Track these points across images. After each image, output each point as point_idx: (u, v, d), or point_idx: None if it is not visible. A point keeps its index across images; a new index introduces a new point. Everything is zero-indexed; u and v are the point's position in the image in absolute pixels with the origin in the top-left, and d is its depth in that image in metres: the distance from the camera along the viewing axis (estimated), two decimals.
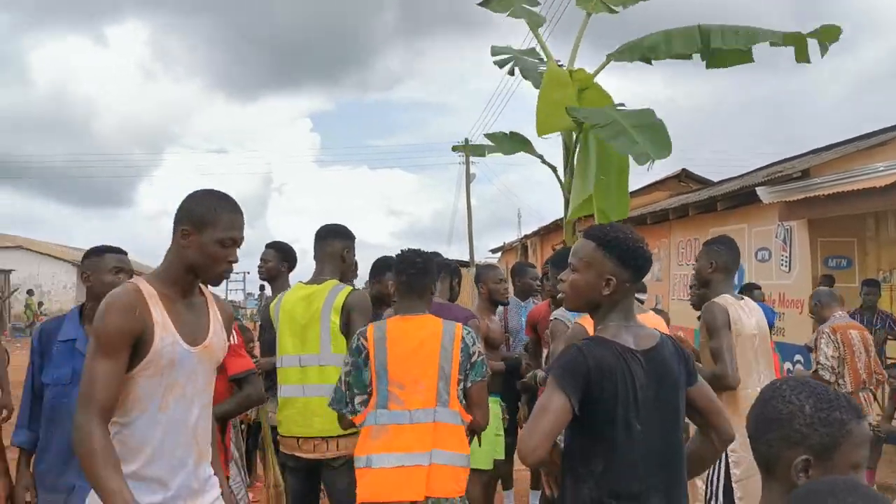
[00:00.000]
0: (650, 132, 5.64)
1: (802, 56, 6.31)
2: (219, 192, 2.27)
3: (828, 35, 6.25)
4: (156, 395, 2.12)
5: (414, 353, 3.06)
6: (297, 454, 3.60)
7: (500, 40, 7.51)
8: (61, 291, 35.43)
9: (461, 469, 3.06)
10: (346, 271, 3.86)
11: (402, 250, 3.37)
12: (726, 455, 3.52)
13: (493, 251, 29.48)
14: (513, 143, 7.62)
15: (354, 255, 3.98)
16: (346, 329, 3.53)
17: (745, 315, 3.71)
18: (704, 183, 16.33)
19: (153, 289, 2.15)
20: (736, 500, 3.57)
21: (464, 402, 3.12)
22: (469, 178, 32.31)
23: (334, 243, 3.79)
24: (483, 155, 8.18)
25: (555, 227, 18.53)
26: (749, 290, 6.93)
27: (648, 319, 2.89)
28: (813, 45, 6.30)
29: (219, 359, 2.35)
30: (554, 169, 7.11)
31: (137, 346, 2.09)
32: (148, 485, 2.10)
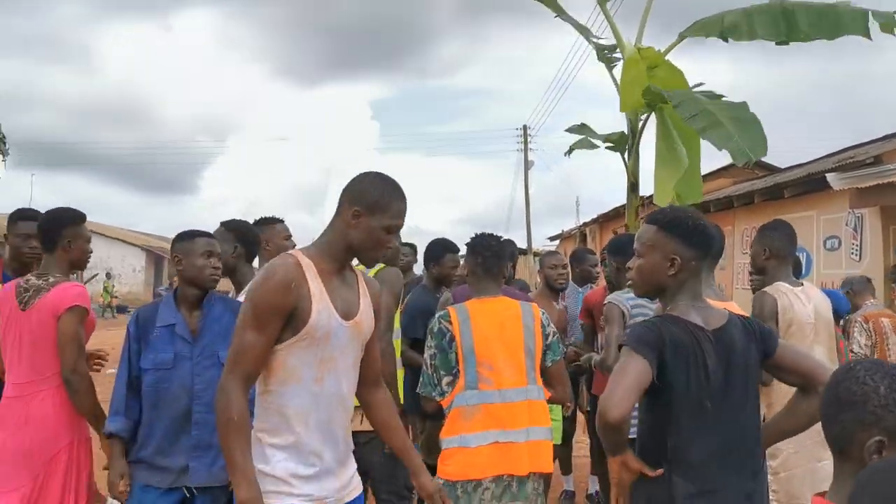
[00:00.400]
0: (746, 128, 5.43)
1: (889, 28, 5.96)
2: (389, 177, 2.31)
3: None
4: (311, 366, 2.18)
5: (499, 334, 3.14)
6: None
7: (559, 26, 7.35)
8: (131, 275, 36.59)
9: (551, 443, 3.20)
10: (392, 257, 3.92)
11: (476, 234, 3.44)
12: None
13: (552, 238, 29.30)
14: (589, 133, 7.54)
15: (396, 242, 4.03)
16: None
17: (800, 302, 3.61)
18: (771, 169, 15.89)
19: (311, 262, 2.20)
20: (769, 493, 3.49)
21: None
22: (527, 165, 32.16)
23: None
24: (569, 154, 8.11)
25: (614, 214, 18.30)
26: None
27: (731, 308, 2.85)
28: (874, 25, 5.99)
29: (367, 336, 2.38)
30: (621, 152, 7.01)
31: (292, 317, 2.14)
32: (306, 456, 2.17)
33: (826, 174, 9.60)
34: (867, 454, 1.39)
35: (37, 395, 3.11)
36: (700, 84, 6.49)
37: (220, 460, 2.74)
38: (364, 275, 2.43)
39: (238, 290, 3.52)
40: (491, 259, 3.30)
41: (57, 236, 3.26)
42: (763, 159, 17.64)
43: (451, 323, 3.15)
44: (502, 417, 3.05)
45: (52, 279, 3.20)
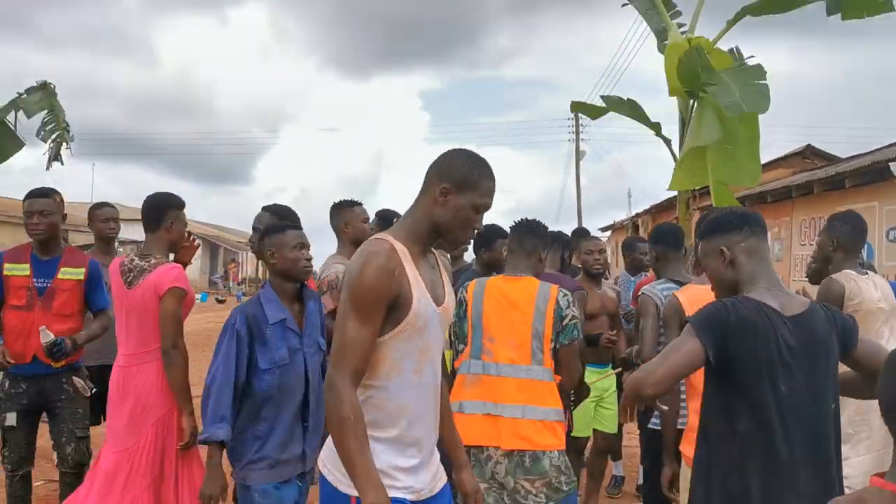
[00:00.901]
0: (751, 87, 5.66)
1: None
2: (478, 155, 2.17)
3: None
4: (412, 357, 2.07)
5: (509, 310, 3.20)
6: None
7: (612, 15, 7.28)
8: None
9: (558, 423, 3.17)
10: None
11: (519, 220, 3.49)
12: None
13: (603, 230, 29.03)
14: (630, 107, 7.40)
15: None
16: None
17: (870, 288, 3.54)
18: (831, 160, 15.51)
19: (404, 246, 2.06)
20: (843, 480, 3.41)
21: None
22: (578, 154, 31.86)
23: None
24: (599, 115, 7.90)
25: (668, 204, 18.05)
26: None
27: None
28: None
29: (451, 319, 2.28)
30: (668, 142, 6.93)
31: (394, 306, 2.01)
32: (407, 448, 2.09)
33: (889, 163, 9.33)
34: None
35: (141, 366, 3.38)
36: (751, 56, 6.41)
37: (316, 446, 2.84)
38: (440, 254, 2.35)
39: None
40: (526, 234, 3.36)
41: (162, 217, 3.49)
42: (823, 149, 17.12)
43: (467, 292, 3.26)
44: (495, 390, 3.12)
45: (153, 260, 3.44)
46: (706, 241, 2.29)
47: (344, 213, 4.06)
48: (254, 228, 3.57)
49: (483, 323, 3.20)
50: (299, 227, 3.14)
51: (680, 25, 7.11)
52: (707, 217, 2.42)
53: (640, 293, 3.88)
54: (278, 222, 3.19)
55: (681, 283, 3.65)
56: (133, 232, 32.27)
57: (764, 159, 15.99)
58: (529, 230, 3.38)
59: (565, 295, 3.26)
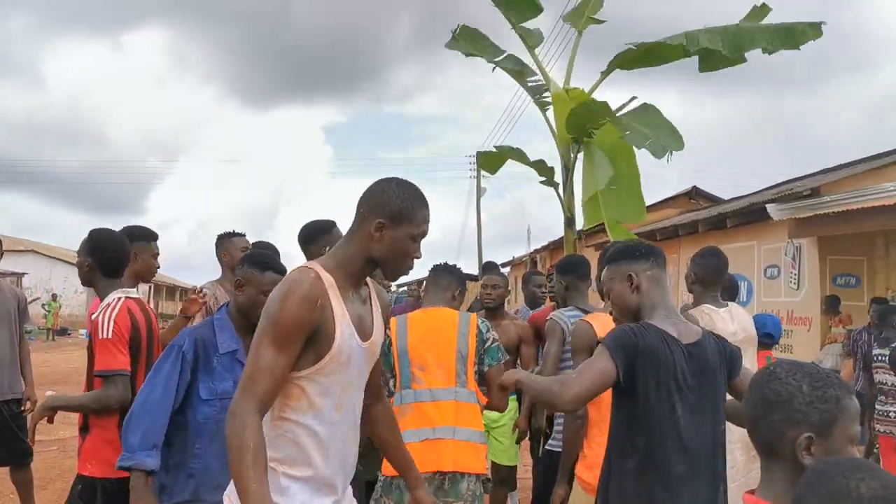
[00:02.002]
0: (661, 128, 5.93)
1: (793, 45, 6.35)
2: (409, 183, 2.12)
3: (811, 28, 6.30)
4: (333, 393, 2.01)
5: (433, 337, 3.33)
6: None
7: (515, 52, 7.53)
8: (73, 296, 35.66)
9: (481, 446, 3.30)
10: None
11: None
12: None
13: (503, 265, 29.49)
14: (519, 155, 7.73)
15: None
16: None
17: (723, 321, 3.76)
18: (714, 200, 16.35)
19: (332, 277, 2.00)
20: None
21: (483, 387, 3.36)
22: (479, 191, 32.38)
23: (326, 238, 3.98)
24: (493, 171, 8.26)
25: (563, 241, 18.55)
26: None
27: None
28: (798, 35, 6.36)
29: (377, 354, 2.23)
30: (555, 186, 7.18)
31: (314, 339, 1.95)
32: (321, 488, 2.02)
33: (766, 205, 9.92)
34: (798, 450, 1.45)
35: None
36: (633, 99, 6.70)
37: None
38: (375, 285, 2.27)
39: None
40: (442, 273, 3.61)
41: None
42: (707, 190, 18.00)
43: (389, 329, 3.33)
44: (432, 415, 3.22)
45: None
46: (614, 265, 2.45)
47: (224, 243, 4.35)
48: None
49: (410, 354, 3.31)
50: (282, 272, 2.87)
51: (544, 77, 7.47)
52: (615, 245, 2.59)
53: (548, 318, 4.02)
54: (262, 257, 2.97)
55: (586, 312, 3.79)
56: (14, 264, 30.61)
57: (654, 200, 16.67)
58: (445, 269, 3.65)
59: (484, 321, 3.47)
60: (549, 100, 7.27)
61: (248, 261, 2.88)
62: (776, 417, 1.48)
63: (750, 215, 10.62)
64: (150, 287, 42.34)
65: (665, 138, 5.85)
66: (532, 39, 7.32)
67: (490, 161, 8.21)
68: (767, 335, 4.96)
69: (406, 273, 2.20)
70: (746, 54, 6.42)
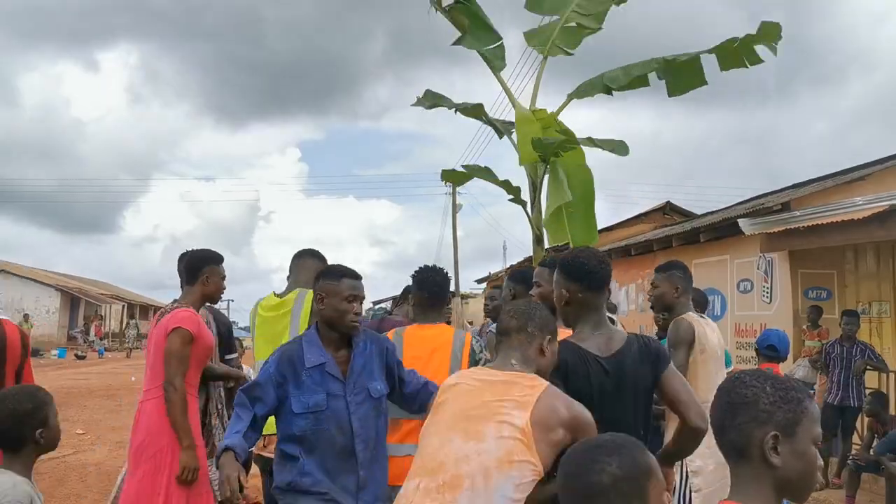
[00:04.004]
0: (610, 142, 6.47)
1: (753, 60, 6.53)
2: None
3: (769, 34, 6.46)
4: None
5: (427, 360, 3.35)
6: (263, 454, 3.82)
7: (485, 72, 7.62)
8: (44, 316, 35.15)
9: None
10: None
11: (421, 268, 3.67)
12: (686, 464, 3.61)
13: (479, 281, 29.56)
14: (486, 173, 7.86)
15: None
16: None
17: (710, 331, 3.89)
18: (688, 215, 16.54)
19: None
20: None
21: None
22: (455, 208, 32.49)
23: (311, 261, 4.07)
24: (461, 182, 8.47)
25: (533, 258, 18.63)
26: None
27: None
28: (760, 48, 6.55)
29: None
30: (524, 205, 7.26)
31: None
32: None
33: (738, 220, 10.05)
34: (766, 449, 1.50)
35: (149, 401, 3.64)
36: (588, 138, 7.03)
37: (382, 498, 2.84)
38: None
39: None
40: (437, 293, 3.59)
41: (198, 272, 3.84)
42: (680, 205, 18.14)
43: None
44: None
45: (178, 304, 3.78)
46: (557, 275, 2.68)
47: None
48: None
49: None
50: (358, 278, 3.01)
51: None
52: (568, 256, 2.74)
53: (487, 331, 4.08)
54: (335, 268, 3.05)
55: None
56: None
57: (628, 215, 16.76)
58: (440, 289, 3.60)
59: (478, 340, 3.52)
60: (512, 121, 7.41)
61: (323, 275, 3.00)
62: (743, 419, 1.54)
63: (722, 230, 10.74)
64: (123, 306, 41.87)
65: (615, 145, 6.51)
66: (497, 63, 7.46)
67: (455, 178, 8.34)
68: (771, 348, 5.06)
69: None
70: (708, 75, 6.66)
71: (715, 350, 3.85)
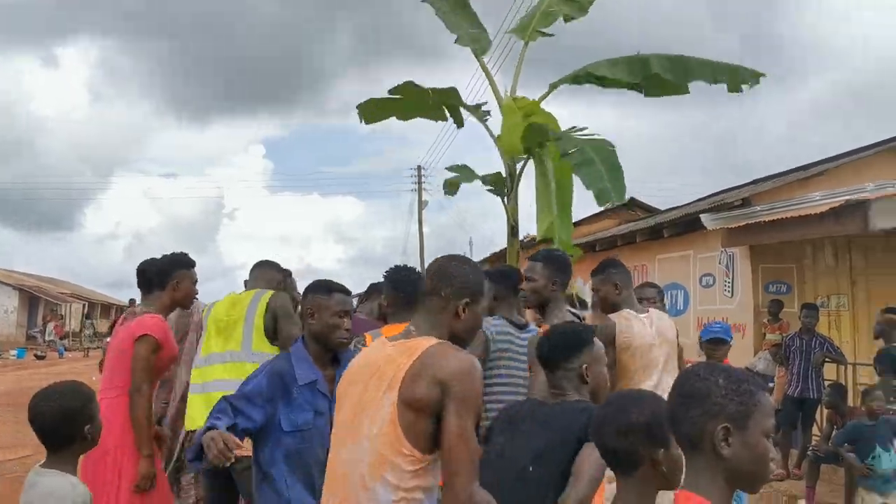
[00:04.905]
0: (613, 173, 5.92)
1: (734, 87, 6.63)
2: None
3: (753, 76, 6.60)
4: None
5: None
6: None
7: (451, 70, 7.59)
8: (2, 315, 34.42)
9: None
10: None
11: (394, 267, 3.67)
12: None
13: None
14: (469, 174, 7.80)
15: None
16: (274, 331, 3.93)
17: (642, 325, 3.89)
18: (651, 211, 16.70)
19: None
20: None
21: None
22: (421, 205, 32.50)
23: (272, 272, 4.22)
24: (453, 194, 8.24)
25: (503, 253, 18.68)
26: None
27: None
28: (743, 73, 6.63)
29: None
30: (502, 196, 7.25)
31: None
32: None
33: (700, 215, 10.19)
34: (717, 441, 1.55)
35: (103, 400, 3.47)
36: (584, 128, 6.84)
37: None
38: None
39: None
40: (412, 293, 3.50)
41: (167, 277, 3.84)
42: (644, 201, 18.29)
43: (365, 345, 3.30)
44: None
45: (144, 310, 3.78)
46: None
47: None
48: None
49: None
50: (348, 293, 3.00)
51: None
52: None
53: None
54: (324, 282, 3.01)
55: (512, 322, 3.83)
56: None
57: (593, 211, 16.95)
58: (413, 289, 3.50)
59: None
60: (489, 110, 7.35)
61: (312, 289, 2.97)
62: (696, 412, 1.58)
63: (685, 225, 10.88)
64: (84, 304, 41.16)
65: (614, 185, 5.90)
66: (479, 46, 7.40)
67: (453, 187, 8.16)
68: (719, 340, 5.09)
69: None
70: (690, 85, 6.68)
71: (646, 344, 3.85)
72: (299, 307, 4.95)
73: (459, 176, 7.90)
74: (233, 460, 2.47)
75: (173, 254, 3.98)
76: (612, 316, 3.89)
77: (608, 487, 3.40)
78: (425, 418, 2.02)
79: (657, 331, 3.95)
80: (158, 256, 4.02)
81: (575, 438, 2.37)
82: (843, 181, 10.11)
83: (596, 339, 2.68)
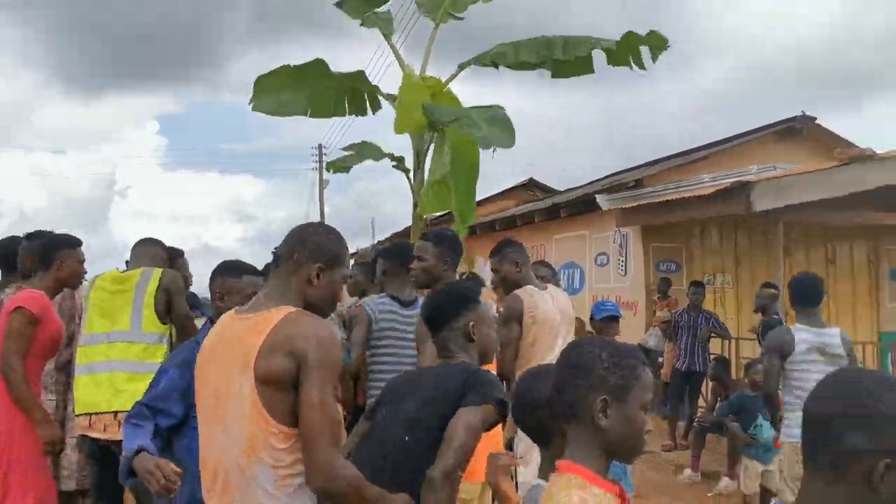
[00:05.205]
0: (497, 124, 6.07)
1: (638, 63, 6.74)
2: (330, 226, 2.29)
3: (656, 42, 6.71)
4: None
5: None
6: (89, 434, 3.66)
7: (354, 47, 7.41)
8: None
9: None
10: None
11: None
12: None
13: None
14: (370, 150, 7.69)
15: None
16: (166, 310, 3.82)
17: (545, 301, 3.99)
18: (550, 192, 17.00)
19: None
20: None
21: None
22: (322, 184, 32.07)
23: (156, 248, 4.10)
24: (347, 170, 8.09)
25: (406, 232, 18.66)
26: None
27: None
28: (645, 51, 6.75)
29: None
30: (406, 172, 7.21)
31: None
32: None
33: (596, 195, 10.44)
34: (595, 412, 1.59)
35: None
36: (489, 106, 6.87)
37: None
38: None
39: None
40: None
41: (52, 258, 3.72)
42: (543, 182, 18.62)
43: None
44: None
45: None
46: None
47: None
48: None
49: None
50: (259, 275, 2.91)
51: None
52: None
53: (357, 304, 4.07)
54: (233, 265, 2.93)
55: (398, 300, 3.82)
56: None
57: (493, 191, 17.12)
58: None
59: (332, 318, 3.64)
60: (394, 91, 7.27)
61: (221, 271, 2.90)
62: (579, 383, 1.62)
63: (582, 206, 11.12)
64: None
65: (499, 134, 6.03)
66: (387, 27, 7.31)
67: (343, 166, 8.02)
68: (611, 318, 5.26)
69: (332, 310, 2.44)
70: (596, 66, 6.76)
71: (551, 319, 3.95)
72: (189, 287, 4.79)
73: (348, 156, 7.80)
74: (176, 489, 2.34)
75: (57, 234, 3.86)
76: (518, 292, 3.94)
77: (522, 472, 3.43)
78: (286, 392, 1.95)
79: (558, 306, 4.05)
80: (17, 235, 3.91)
81: (447, 401, 2.26)
82: (730, 164, 10.56)
83: (481, 299, 2.61)
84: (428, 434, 2.23)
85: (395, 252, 4.03)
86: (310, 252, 2.13)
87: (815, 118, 11.32)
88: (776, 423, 4.80)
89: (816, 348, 4.42)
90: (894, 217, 9.17)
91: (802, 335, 4.46)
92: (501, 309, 4.05)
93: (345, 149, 7.99)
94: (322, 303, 2.15)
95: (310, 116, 7.24)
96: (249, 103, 6.85)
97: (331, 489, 1.95)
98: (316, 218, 32.86)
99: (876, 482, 1.22)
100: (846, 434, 1.24)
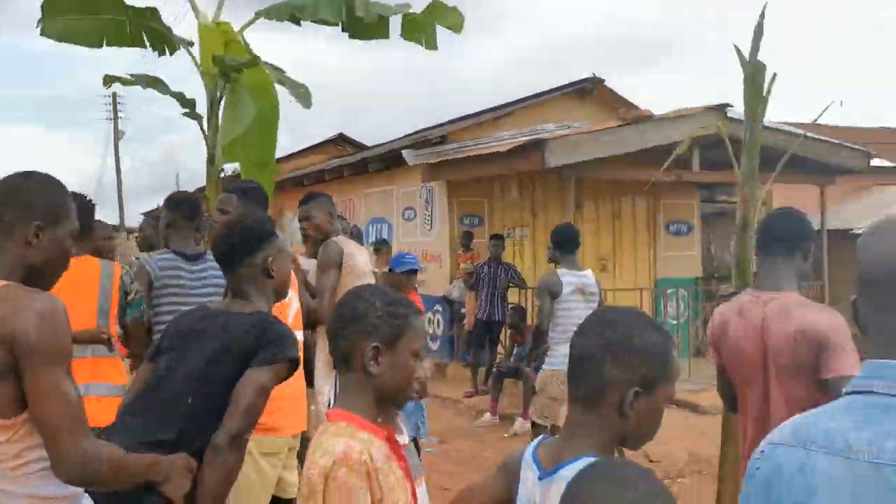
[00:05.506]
0: (297, 87, 6.32)
1: (429, 42, 6.88)
2: (45, 174, 1.93)
3: (453, 21, 6.87)
4: None
5: (73, 292, 3.08)
6: None
7: None
8: None
9: (115, 399, 3.01)
10: None
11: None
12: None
13: (146, 214, 27.77)
14: (159, 85, 7.25)
15: None
16: None
17: (361, 253, 4.16)
18: (360, 147, 16.98)
19: None
20: None
21: None
22: (117, 135, 29.94)
23: None
24: (122, 83, 7.51)
25: (206, 180, 17.93)
26: None
27: None
28: (441, 31, 6.90)
29: None
30: (199, 119, 6.93)
31: None
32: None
33: (403, 151, 10.57)
34: (366, 359, 1.62)
35: None
36: (269, 64, 6.82)
37: None
38: None
39: None
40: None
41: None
42: (353, 137, 18.45)
43: None
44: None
45: None
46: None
47: None
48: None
49: None
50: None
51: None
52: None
53: (136, 260, 4.09)
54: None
55: (179, 253, 3.58)
56: None
57: (302, 146, 16.81)
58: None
59: (127, 272, 3.58)
60: (189, 36, 6.94)
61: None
62: (351, 330, 1.65)
63: (389, 161, 11.22)
64: None
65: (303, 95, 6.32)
66: None
67: (126, 82, 7.50)
68: (414, 271, 5.47)
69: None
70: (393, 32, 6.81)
71: (362, 270, 4.06)
72: None
73: (130, 79, 7.30)
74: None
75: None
76: (335, 239, 3.96)
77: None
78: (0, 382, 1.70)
79: (365, 260, 4.15)
80: None
81: (236, 358, 2.10)
82: (528, 121, 11.04)
83: (279, 232, 2.46)
84: (212, 394, 2.07)
85: (177, 202, 3.77)
86: (22, 208, 1.82)
87: (603, 80, 12.03)
88: (543, 354, 5.27)
89: (579, 289, 4.96)
90: (670, 174, 10.05)
91: (567, 278, 4.99)
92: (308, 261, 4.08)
93: (132, 75, 7.43)
94: (50, 267, 1.88)
95: (106, 45, 6.72)
96: (37, 26, 6.26)
97: (84, 479, 1.79)
98: (111, 172, 30.69)
99: (626, 408, 1.40)
100: (605, 366, 1.42)
